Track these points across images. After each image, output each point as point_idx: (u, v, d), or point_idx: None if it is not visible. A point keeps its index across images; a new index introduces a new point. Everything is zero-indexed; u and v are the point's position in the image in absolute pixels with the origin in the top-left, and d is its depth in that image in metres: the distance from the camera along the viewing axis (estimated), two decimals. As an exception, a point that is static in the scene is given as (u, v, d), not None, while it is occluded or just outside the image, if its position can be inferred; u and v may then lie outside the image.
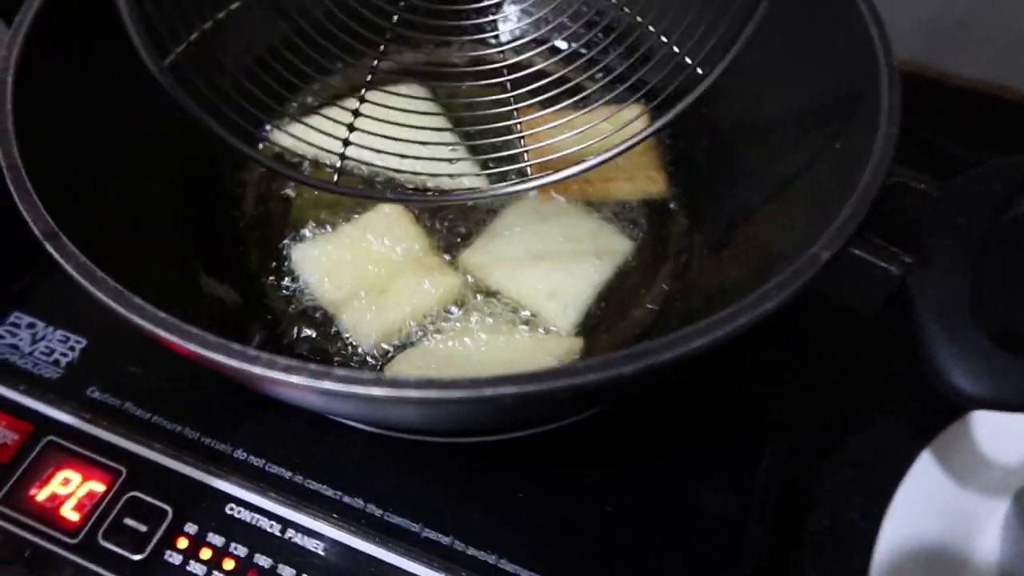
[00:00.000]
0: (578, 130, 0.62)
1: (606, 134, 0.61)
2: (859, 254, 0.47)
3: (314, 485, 0.61)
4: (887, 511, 0.59)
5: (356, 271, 0.69)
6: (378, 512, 0.61)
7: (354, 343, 0.67)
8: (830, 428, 0.68)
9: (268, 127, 0.76)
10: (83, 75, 0.63)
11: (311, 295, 0.69)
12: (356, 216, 0.73)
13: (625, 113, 0.63)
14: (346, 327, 0.67)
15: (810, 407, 0.68)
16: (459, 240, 0.73)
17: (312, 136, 0.64)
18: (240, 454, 0.63)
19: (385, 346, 0.66)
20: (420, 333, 0.67)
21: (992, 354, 0.46)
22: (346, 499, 0.61)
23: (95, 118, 0.63)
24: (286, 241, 0.73)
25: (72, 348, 0.69)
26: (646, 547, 0.60)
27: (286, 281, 0.71)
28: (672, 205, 0.76)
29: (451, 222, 0.74)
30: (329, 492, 0.61)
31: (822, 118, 0.63)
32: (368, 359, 0.66)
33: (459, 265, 0.71)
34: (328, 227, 0.74)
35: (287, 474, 0.62)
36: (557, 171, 0.60)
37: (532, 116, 0.65)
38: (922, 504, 0.60)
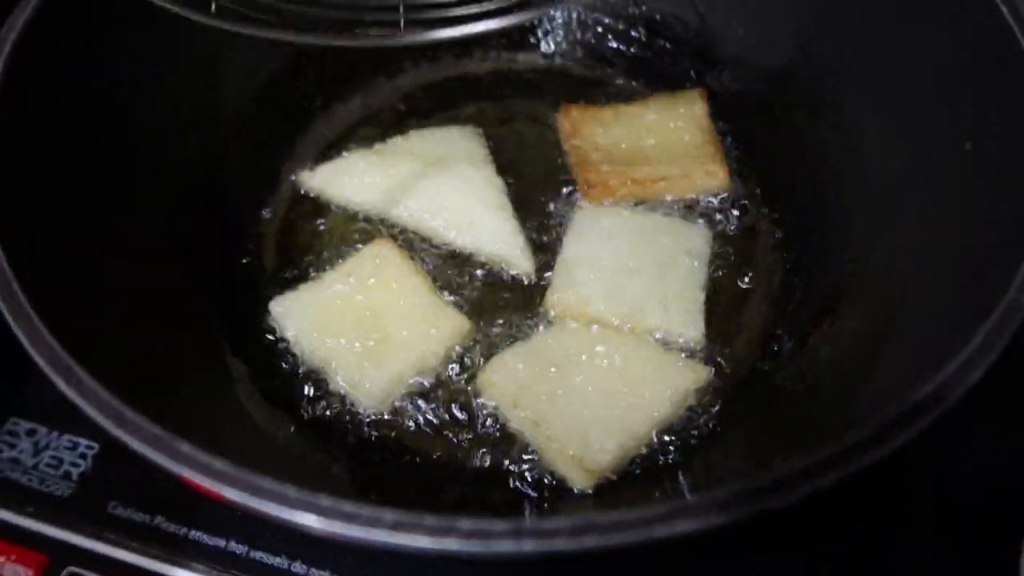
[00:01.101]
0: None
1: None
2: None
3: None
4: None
5: (347, 321, 0.60)
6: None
7: (354, 404, 0.59)
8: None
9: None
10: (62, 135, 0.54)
11: (299, 353, 0.61)
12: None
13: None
14: (343, 386, 0.59)
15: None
16: (461, 276, 0.65)
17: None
18: (299, 567, 0.54)
19: (394, 403, 0.59)
20: (430, 383, 0.60)
21: None
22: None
23: (84, 190, 0.54)
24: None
25: (83, 456, 0.59)
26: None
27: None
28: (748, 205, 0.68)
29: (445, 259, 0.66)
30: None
31: (932, 115, 0.55)
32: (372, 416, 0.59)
33: (545, 306, 0.62)
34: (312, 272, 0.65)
35: (358, 586, 0.53)
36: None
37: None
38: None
